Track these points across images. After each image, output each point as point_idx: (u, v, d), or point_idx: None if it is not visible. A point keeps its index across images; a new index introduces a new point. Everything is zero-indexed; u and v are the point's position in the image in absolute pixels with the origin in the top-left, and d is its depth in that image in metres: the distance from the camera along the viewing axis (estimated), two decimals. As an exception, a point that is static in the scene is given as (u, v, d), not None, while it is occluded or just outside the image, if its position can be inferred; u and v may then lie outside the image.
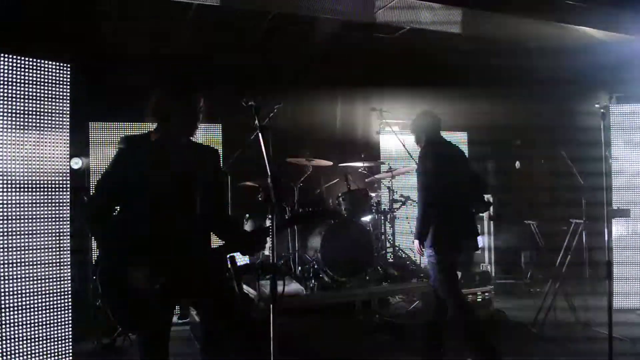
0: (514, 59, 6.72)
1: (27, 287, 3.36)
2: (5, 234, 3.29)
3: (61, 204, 3.52)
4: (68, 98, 3.57)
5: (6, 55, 3.34)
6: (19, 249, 3.34)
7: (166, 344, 2.64)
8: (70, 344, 3.53)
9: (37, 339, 3.37)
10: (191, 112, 2.61)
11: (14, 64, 3.35)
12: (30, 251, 3.39)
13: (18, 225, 3.35)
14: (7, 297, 3.28)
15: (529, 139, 7.87)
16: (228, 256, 2.51)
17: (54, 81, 3.50)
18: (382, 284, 5.59)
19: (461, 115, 7.27)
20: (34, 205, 3.41)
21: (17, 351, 3.29)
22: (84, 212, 2.64)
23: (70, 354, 3.54)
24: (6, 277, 3.28)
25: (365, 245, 5.75)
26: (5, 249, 3.29)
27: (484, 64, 6.93)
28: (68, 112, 3.57)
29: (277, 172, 2.27)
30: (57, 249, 3.50)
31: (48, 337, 3.42)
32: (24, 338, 3.33)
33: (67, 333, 3.51)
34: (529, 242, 7.41)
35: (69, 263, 3.60)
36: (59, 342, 3.47)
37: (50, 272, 3.47)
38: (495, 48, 6.63)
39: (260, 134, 2.34)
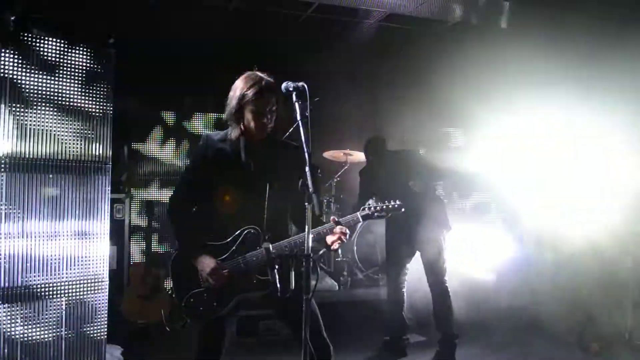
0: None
1: (65, 267, 3.42)
2: (46, 216, 3.35)
3: (102, 188, 3.56)
4: (112, 83, 3.60)
5: (52, 40, 3.39)
6: (58, 230, 3.40)
7: (223, 338, 2.72)
8: (106, 326, 3.58)
9: (72, 319, 3.43)
10: (261, 113, 2.58)
11: (59, 48, 3.40)
12: (71, 233, 3.44)
13: (58, 207, 3.40)
14: (44, 276, 3.34)
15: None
16: (263, 246, 2.50)
17: (98, 65, 3.54)
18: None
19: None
20: (74, 188, 3.46)
21: (53, 330, 3.36)
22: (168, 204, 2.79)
23: (105, 335, 3.59)
24: (44, 258, 3.34)
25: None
26: (46, 230, 3.35)
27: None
28: (111, 97, 3.60)
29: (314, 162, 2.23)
30: (96, 231, 3.54)
31: (84, 318, 3.48)
32: (59, 318, 3.39)
33: (102, 316, 3.56)
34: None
35: (108, 247, 3.64)
36: (95, 323, 3.52)
37: (89, 256, 3.52)
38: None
39: (299, 121, 2.29)
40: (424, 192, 4.48)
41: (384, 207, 2.65)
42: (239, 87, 2.60)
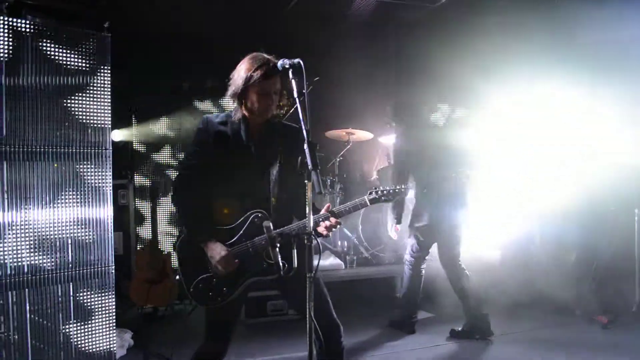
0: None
1: (71, 255, 3.44)
2: (49, 203, 3.36)
3: (103, 173, 3.57)
4: (109, 68, 3.57)
5: (47, 26, 3.35)
6: (62, 217, 3.41)
7: (233, 322, 2.75)
8: (114, 311, 3.60)
9: (80, 306, 3.46)
10: (267, 95, 2.55)
11: (54, 34, 3.37)
12: (74, 219, 3.45)
13: (61, 193, 3.41)
14: (51, 263, 3.35)
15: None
16: (264, 224, 2.49)
17: (94, 50, 3.51)
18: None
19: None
20: (76, 174, 3.46)
21: (62, 318, 3.39)
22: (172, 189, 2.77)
23: (114, 321, 3.61)
24: (50, 244, 3.36)
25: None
26: (50, 217, 3.37)
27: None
28: (109, 82, 3.58)
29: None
30: (100, 218, 3.55)
31: (92, 304, 3.50)
32: (68, 304, 3.42)
33: (110, 300, 3.58)
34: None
35: (112, 232, 3.64)
36: (103, 309, 3.54)
37: (94, 241, 3.53)
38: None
39: (296, 98, 2.27)
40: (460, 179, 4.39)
41: (391, 191, 2.62)
42: (245, 67, 2.56)
